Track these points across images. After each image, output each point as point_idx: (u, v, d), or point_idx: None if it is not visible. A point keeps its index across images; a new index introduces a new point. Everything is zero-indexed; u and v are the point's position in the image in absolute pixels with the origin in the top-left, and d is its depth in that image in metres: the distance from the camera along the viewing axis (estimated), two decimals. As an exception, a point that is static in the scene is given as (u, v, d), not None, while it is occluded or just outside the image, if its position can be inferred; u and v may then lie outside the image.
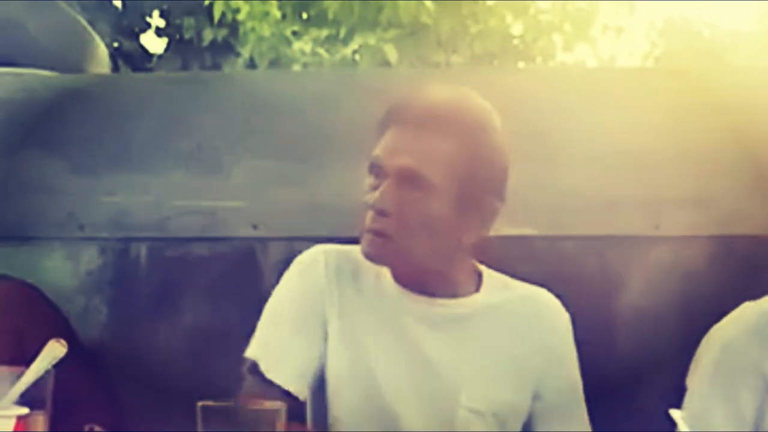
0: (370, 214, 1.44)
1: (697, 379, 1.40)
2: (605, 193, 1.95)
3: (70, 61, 2.39)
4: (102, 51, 2.54)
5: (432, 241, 1.45)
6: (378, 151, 1.46)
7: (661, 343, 1.89)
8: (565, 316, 1.58)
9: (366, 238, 1.45)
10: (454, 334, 1.51)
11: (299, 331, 1.49)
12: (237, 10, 3.97)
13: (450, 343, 1.51)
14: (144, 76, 2.66)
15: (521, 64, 7.19)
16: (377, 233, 1.43)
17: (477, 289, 1.55)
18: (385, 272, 1.53)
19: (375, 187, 1.44)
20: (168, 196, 2.05)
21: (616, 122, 1.98)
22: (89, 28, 2.51)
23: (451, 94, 1.46)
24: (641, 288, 1.92)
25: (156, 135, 2.09)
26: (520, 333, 1.54)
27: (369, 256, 1.47)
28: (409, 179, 1.41)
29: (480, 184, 1.44)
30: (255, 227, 2.02)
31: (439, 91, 1.47)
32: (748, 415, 1.33)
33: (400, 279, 1.52)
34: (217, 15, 3.83)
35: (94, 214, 2.06)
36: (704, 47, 7.73)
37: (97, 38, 2.54)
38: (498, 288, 1.55)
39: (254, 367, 1.47)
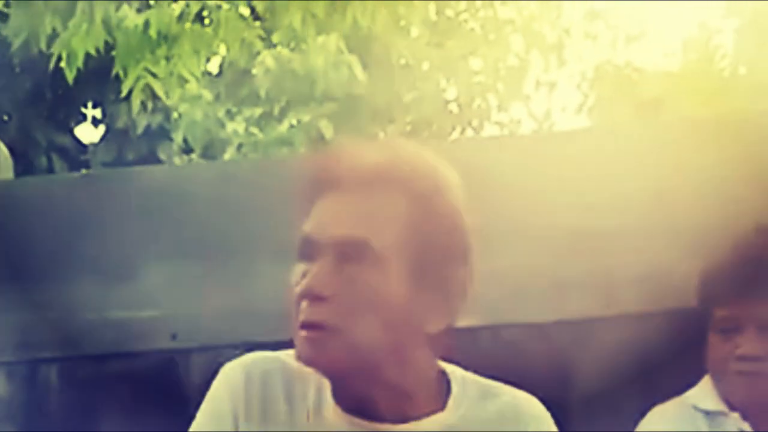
0: (302, 304, 1.14)
1: None
2: (551, 274, 1.82)
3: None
4: (4, 155, 2.40)
5: (385, 332, 1.15)
6: (308, 227, 1.15)
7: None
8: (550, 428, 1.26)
9: (299, 336, 1.15)
10: None
11: None
12: (165, 95, 3.86)
13: None
14: (42, 180, 2.55)
15: (457, 129, 7.18)
16: (313, 326, 1.14)
17: (443, 405, 1.21)
18: (328, 387, 1.23)
19: (306, 274, 1.15)
20: (74, 310, 1.92)
21: (558, 197, 1.83)
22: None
23: (394, 150, 1.18)
24: (595, 371, 1.78)
25: (57, 242, 1.97)
26: None
27: (305, 360, 1.17)
28: (351, 253, 1.13)
29: (439, 252, 1.15)
30: (174, 337, 1.89)
31: (378, 148, 1.19)
32: None
33: (341, 399, 1.21)
34: (135, 104, 3.71)
35: (-5, 336, 1.94)
36: (635, 93, 7.80)
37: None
38: (472, 400, 1.23)
39: None
